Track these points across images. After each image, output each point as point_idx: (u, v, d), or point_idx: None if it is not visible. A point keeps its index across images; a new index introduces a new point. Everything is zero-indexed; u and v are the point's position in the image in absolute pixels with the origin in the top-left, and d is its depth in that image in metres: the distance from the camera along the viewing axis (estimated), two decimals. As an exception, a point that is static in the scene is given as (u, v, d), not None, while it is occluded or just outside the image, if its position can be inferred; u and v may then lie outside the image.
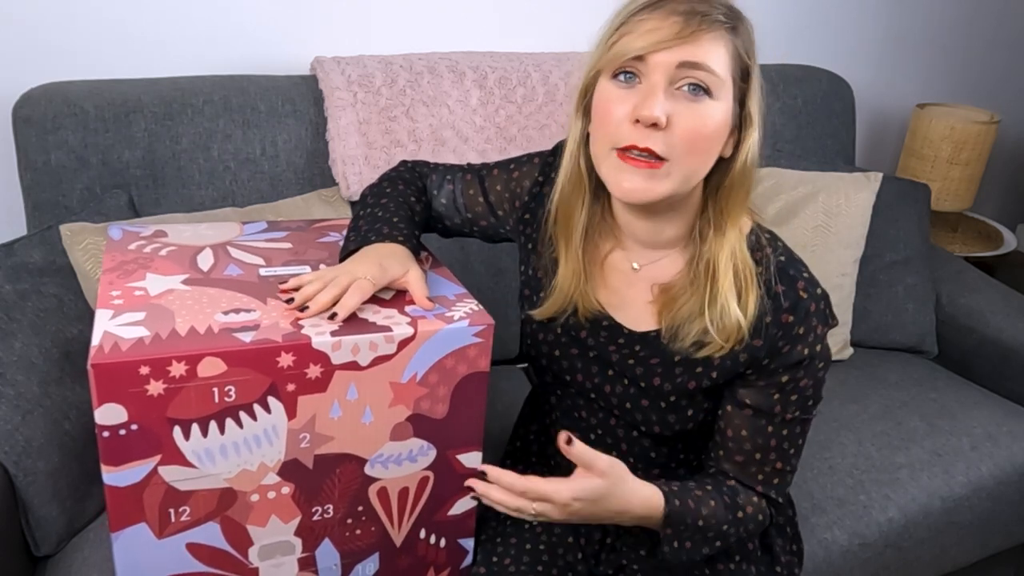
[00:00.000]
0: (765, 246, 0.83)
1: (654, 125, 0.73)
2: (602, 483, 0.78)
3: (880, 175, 1.56)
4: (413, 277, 0.83)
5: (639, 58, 0.74)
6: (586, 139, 0.83)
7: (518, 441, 1.11)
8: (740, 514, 0.85)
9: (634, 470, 0.92)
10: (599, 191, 0.87)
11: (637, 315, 0.89)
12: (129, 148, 1.26)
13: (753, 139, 0.79)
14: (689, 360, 0.85)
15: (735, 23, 0.77)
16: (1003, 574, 1.53)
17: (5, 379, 0.99)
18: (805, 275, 0.83)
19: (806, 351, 0.82)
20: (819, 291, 0.83)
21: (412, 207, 0.95)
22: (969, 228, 2.21)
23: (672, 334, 0.84)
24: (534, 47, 1.61)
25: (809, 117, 1.72)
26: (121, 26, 1.38)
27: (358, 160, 1.34)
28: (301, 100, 1.36)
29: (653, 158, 0.75)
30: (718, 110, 0.76)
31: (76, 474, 1.02)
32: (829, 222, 1.50)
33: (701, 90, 0.75)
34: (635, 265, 0.88)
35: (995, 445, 1.33)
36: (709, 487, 0.85)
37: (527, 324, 0.95)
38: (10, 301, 1.06)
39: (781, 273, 0.82)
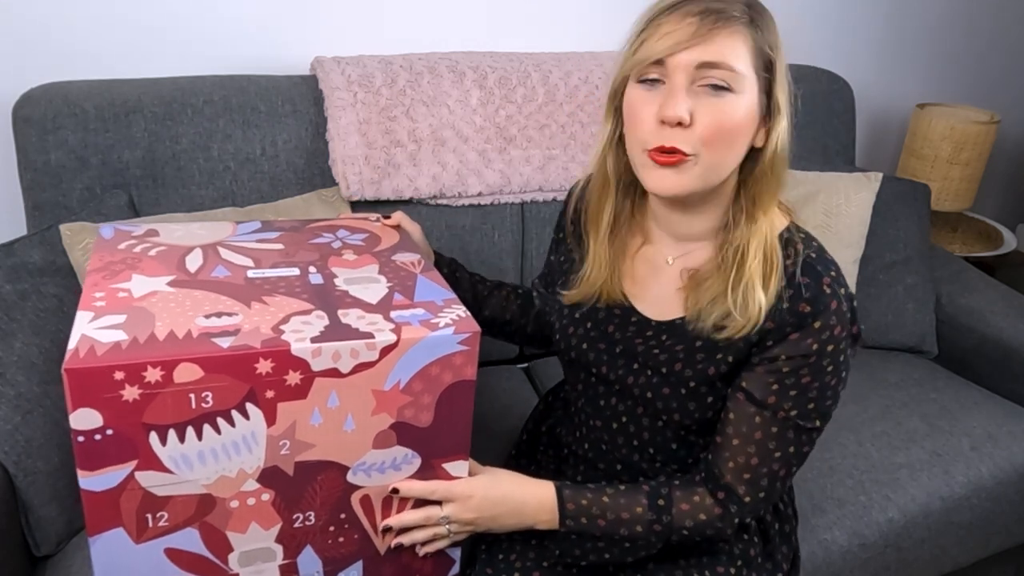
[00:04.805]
0: (797, 242, 0.83)
1: (679, 124, 0.76)
2: (493, 471, 0.87)
3: (880, 175, 1.56)
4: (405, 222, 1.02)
5: (660, 61, 0.77)
6: (617, 139, 0.87)
7: (525, 434, 1.13)
8: (666, 517, 0.85)
9: (653, 462, 0.94)
10: (629, 188, 0.91)
11: (663, 305, 0.90)
12: (129, 148, 1.26)
13: (782, 127, 0.82)
14: (709, 345, 0.85)
15: (753, 16, 0.79)
16: (1003, 574, 1.53)
17: (5, 379, 0.99)
18: (833, 274, 0.82)
19: (815, 346, 0.80)
20: (844, 292, 0.81)
21: (489, 281, 1.13)
22: (969, 228, 2.21)
23: (695, 315, 0.85)
24: (534, 47, 1.61)
25: (809, 117, 1.72)
26: (121, 26, 1.38)
27: (358, 160, 1.34)
28: (301, 100, 1.36)
29: (679, 153, 0.78)
30: (740, 104, 0.78)
31: (76, 474, 1.01)
32: (829, 222, 1.50)
33: (722, 87, 0.77)
34: (669, 260, 0.91)
35: (995, 445, 1.33)
36: (632, 490, 0.86)
37: (559, 319, 0.98)
38: (10, 301, 1.06)
39: (807, 267, 0.81)
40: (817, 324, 0.80)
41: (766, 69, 0.80)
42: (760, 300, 0.80)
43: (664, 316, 0.90)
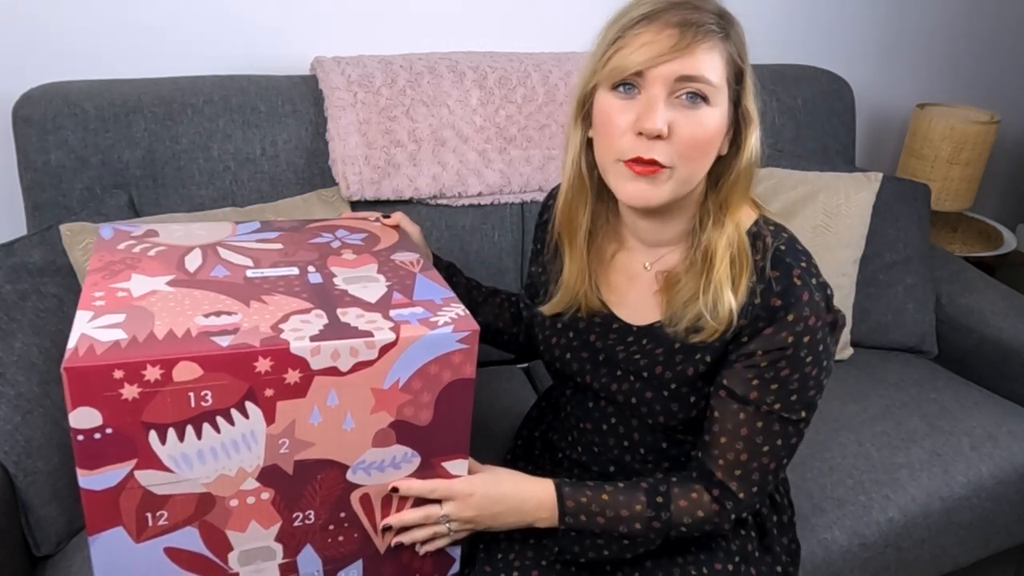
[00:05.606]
0: (766, 236, 0.84)
1: (657, 136, 0.76)
2: (492, 469, 0.87)
3: (880, 175, 1.56)
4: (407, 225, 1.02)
5: (639, 72, 0.77)
6: (587, 143, 0.86)
7: (519, 440, 1.13)
8: (665, 514, 0.85)
9: (646, 463, 0.95)
10: (602, 194, 0.90)
11: (642, 310, 0.91)
12: (129, 148, 1.26)
13: (755, 137, 0.82)
14: (687, 347, 0.86)
15: (727, 30, 0.79)
16: (1003, 574, 1.53)
17: (5, 379, 0.99)
18: (803, 265, 0.82)
19: (790, 339, 0.80)
20: (815, 282, 0.82)
21: (484, 287, 1.13)
22: (969, 228, 2.21)
23: (670, 318, 0.85)
24: (534, 47, 1.61)
25: (809, 117, 1.72)
26: (121, 26, 1.38)
27: (358, 160, 1.34)
28: (301, 100, 1.36)
29: (657, 165, 0.77)
30: (715, 115, 0.79)
31: (76, 474, 1.01)
32: (829, 222, 1.50)
33: (699, 99, 0.77)
34: (646, 265, 0.91)
35: (995, 445, 1.33)
36: (630, 488, 0.86)
37: (541, 330, 0.98)
38: (10, 301, 1.06)
39: (777, 260, 0.82)
40: (790, 317, 0.80)
41: (736, 80, 0.80)
42: (730, 303, 0.81)
43: (643, 320, 0.91)
